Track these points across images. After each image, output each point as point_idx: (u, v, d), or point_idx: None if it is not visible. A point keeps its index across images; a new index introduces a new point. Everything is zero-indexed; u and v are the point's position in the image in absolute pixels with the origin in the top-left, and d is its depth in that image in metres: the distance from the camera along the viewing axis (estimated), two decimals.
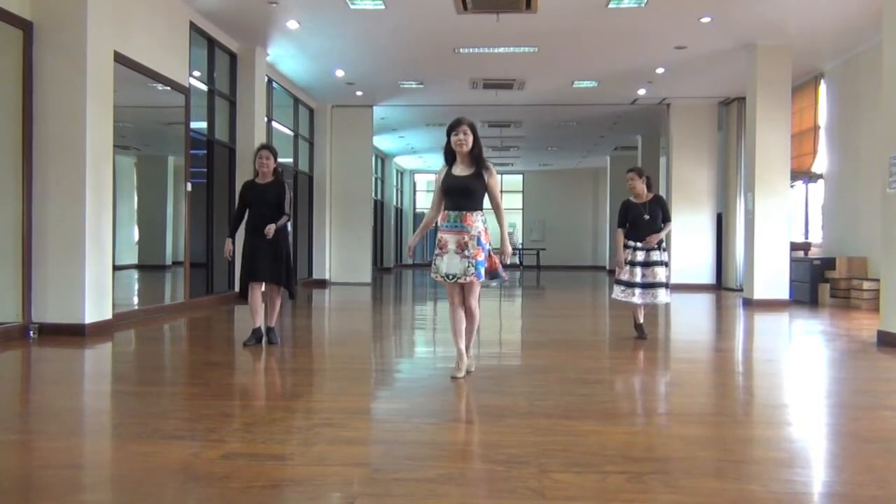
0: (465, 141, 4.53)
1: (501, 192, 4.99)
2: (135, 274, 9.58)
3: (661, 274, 6.43)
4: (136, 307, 8.57)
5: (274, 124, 12.26)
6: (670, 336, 7.41)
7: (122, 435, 3.36)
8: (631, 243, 6.48)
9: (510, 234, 25.80)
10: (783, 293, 10.12)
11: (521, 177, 26.12)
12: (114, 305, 7.03)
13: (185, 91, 8.81)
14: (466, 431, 3.53)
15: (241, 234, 6.05)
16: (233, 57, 10.41)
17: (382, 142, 19.35)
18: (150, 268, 9.85)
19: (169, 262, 9.63)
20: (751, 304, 10.06)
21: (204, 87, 9.72)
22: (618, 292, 6.51)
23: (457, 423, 3.67)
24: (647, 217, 6.42)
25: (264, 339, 5.95)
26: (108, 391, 4.67)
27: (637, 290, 6.42)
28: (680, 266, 13.55)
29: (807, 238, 12.19)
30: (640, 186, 6.52)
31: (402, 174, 25.24)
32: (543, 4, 8.52)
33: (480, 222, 4.57)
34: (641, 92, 13.26)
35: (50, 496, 2.57)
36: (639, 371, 5.30)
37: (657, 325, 7.90)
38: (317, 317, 9.33)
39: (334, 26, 9.60)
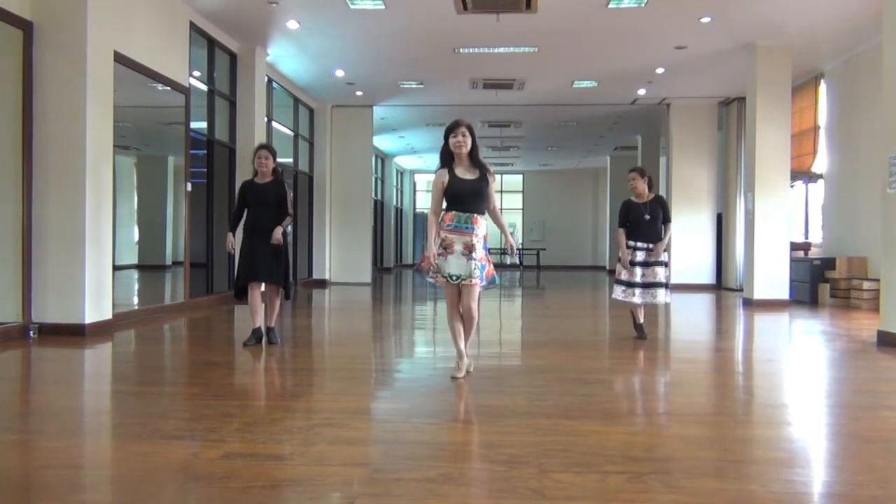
0: (464, 142, 4.54)
1: (501, 192, 5.02)
2: (135, 274, 9.58)
3: (661, 274, 6.43)
4: (136, 307, 8.56)
5: (274, 124, 12.26)
6: (670, 336, 7.41)
7: (122, 435, 3.36)
8: (632, 243, 6.47)
9: (510, 233, 25.78)
10: (783, 293, 10.12)
11: (521, 177, 26.11)
12: (114, 305, 7.03)
13: (185, 91, 8.81)
14: (466, 431, 3.53)
15: (239, 234, 6.05)
16: (233, 57, 10.41)
17: (382, 142, 19.35)
18: (150, 268, 9.85)
19: (169, 262, 9.63)
20: (751, 304, 10.06)
21: (204, 87, 9.72)
22: (618, 292, 6.51)
23: (457, 423, 3.67)
24: (647, 217, 6.42)
25: (264, 339, 5.95)
26: (108, 391, 4.68)
27: (637, 290, 6.42)
28: (680, 266, 13.55)
29: (807, 238, 12.19)
30: (642, 186, 6.52)
31: (402, 174, 25.25)
32: (543, 4, 8.52)
33: (485, 226, 4.61)
34: (641, 92, 13.25)
35: (50, 496, 2.57)
36: (639, 371, 5.30)
37: (657, 325, 7.90)
38: (317, 317, 9.33)
39: (334, 26, 9.60)
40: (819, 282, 10.61)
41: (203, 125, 9.66)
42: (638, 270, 6.44)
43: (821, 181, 11.60)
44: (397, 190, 24.49)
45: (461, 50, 10.57)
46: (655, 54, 10.72)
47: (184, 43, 8.81)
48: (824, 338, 7.21)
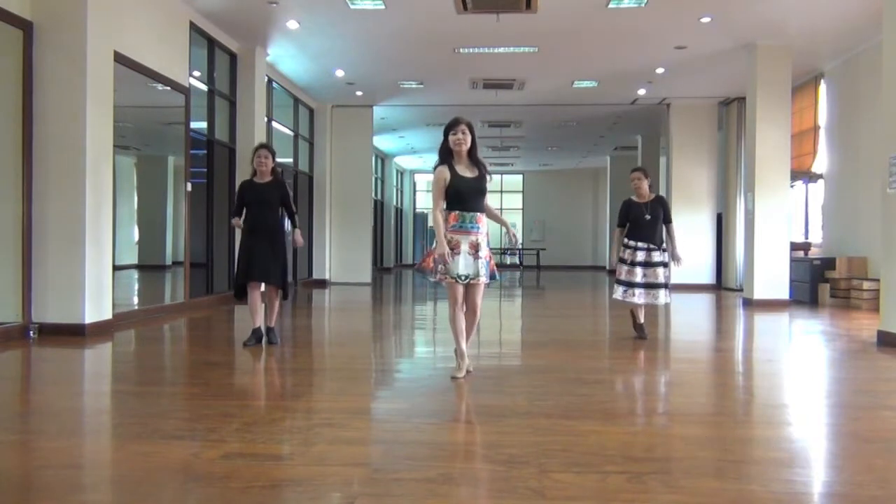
0: (464, 140, 4.55)
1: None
2: (135, 274, 9.58)
3: (661, 275, 6.43)
4: (136, 307, 8.56)
5: (274, 124, 12.26)
6: (670, 336, 7.41)
7: (122, 435, 3.36)
8: (632, 243, 6.47)
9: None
10: (783, 293, 10.12)
11: (521, 177, 26.11)
12: (114, 305, 7.02)
13: (185, 91, 8.80)
14: (466, 431, 3.53)
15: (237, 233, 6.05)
16: (233, 57, 10.41)
17: (382, 142, 19.35)
18: (150, 268, 9.85)
19: (169, 262, 9.63)
20: (751, 304, 10.06)
21: (204, 87, 9.72)
22: (619, 292, 6.50)
23: (457, 423, 3.67)
24: (648, 217, 6.42)
25: (264, 339, 5.95)
26: (108, 391, 4.67)
27: (637, 291, 6.42)
28: (680, 266, 13.51)
29: (807, 238, 12.19)
30: (645, 186, 6.53)
31: (402, 174, 25.24)
32: (543, 4, 8.52)
33: (486, 223, 4.64)
34: (641, 92, 13.25)
35: (50, 496, 2.57)
36: (639, 371, 5.30)
37: (657, 325, 7.90)
38: (317, 317, 9.33)
39: (334, 26, 9.60)
40: (819, 282, 10.61)
41: (203, 125, 9.66)
42: (638, 271, 6.43)
43: (821, 181, 11.60)
44: (397, 190, 24.49)
45: (461, 50, 10.57)
46: (655, 54, 10.72)
47: (184, 43, 8.81)
48: (824, 338, 7.21)
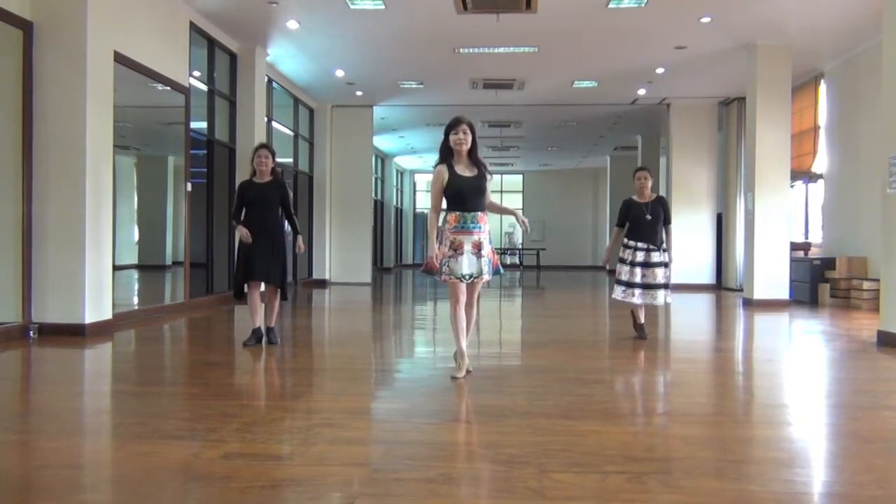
0: (465, 140, 4.56)
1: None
2: (135, 274, 9.58)
3: (660, 275, 6.42)
4: (136, 307, 8.56)
5: (274, 124, 12.26)
6: (670, 336, 7.41)
7: (122, 435, 3.36)
8: (631, 243, 6.47)
9: (509, 233, 25.81)
10: (783, 293, 10.12)
11: (521, 177, 26.11)
12: (114, 305, 7.03)
13: (185, 91, 8.80)
14: (466, 431, 3.52)
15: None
16: (233, 57, 10.41)
17: (382, 142, 19.35)
18: (150, 268, 9.85)
19: (169, 262, 9.63)
20: (751, 304, 10.05)
21: (204, 87, 9.72)
22: (618, 292, 6.50)
23: (457, 423, 3.67)
24: (649, 217, 6.41)
25: (264, 339, 5.95)
26: (108, 391, 4.67)
27: (637, 291, 6.42)
28: (680, 266, 13.48)
29: (807, 238, 12.19)
30: (649, 186, 6.54)
31: (402, 174, 25.25)
32: (543, 4, 8.52)
33: (488, 221, 4.66)
34: (641, 92, 13.25)
35: (50, 496, 2.57)
36: (639, 371, 5.30)
37: (657, 325, 7.89)
38: (317, 317, 9.33)
39: (334, 26, 9.60)
40: (819, 282, 10.61)
41: (203, 125, 9.66)
42: (638, 271, 6.43)
43: (821, 181, 11.60)
44: (397, 190, 24.49)
45: (461, 50, 10.57)
46: (655, 54, 10.72)
47: (184, 43, 8.81)
48: (824, 338, 7.20)
